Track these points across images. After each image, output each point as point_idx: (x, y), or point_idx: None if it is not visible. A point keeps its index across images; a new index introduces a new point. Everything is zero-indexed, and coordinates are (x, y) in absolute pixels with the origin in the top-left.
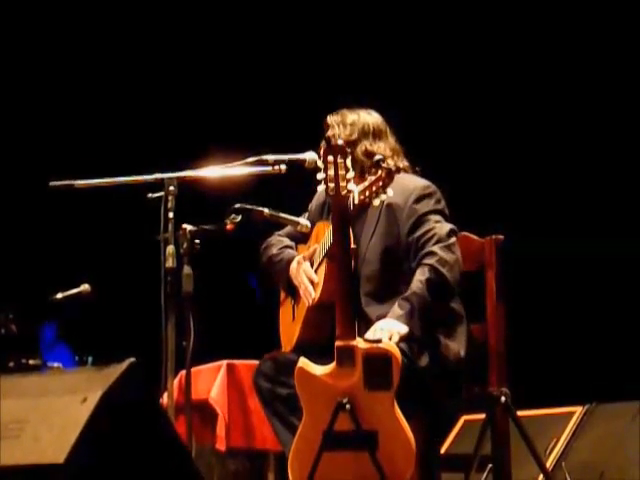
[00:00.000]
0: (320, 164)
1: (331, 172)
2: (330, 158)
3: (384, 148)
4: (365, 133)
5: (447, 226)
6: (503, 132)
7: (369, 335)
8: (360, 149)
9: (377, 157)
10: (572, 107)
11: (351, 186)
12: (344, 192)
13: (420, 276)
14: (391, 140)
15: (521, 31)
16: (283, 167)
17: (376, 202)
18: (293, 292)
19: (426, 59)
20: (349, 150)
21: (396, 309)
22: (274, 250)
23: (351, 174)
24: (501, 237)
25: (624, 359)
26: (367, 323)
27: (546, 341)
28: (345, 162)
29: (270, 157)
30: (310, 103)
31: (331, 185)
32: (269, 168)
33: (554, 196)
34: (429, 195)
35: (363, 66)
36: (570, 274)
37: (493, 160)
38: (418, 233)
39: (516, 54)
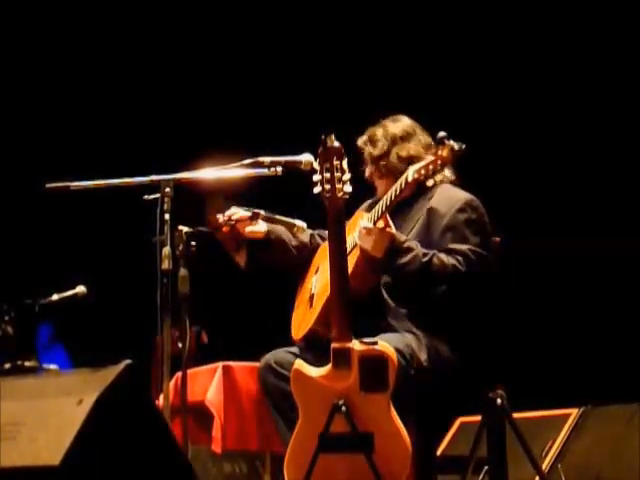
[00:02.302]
0: (316, 166)
1: (327, 174)
2: (326, 160)
3: (415, 148)
4: (394, 141)
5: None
6: (500, 133)
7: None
8: (392, 157)
9: (441, 134)
10: (567, 107)
11: (347, 188)
12: (340, 194)
13: (446, 254)
14: (422, 138)
15: (517, 35)
16: (279, 169)
17: (430, 182)
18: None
19: (422, 60)
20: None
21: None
22: None
23: (347, 176)
24: (497, 239)
25: (620, 361)
26: (389, 311)
27: (542, 343)
28: (341, 164)
29: (266, 159)
30: (306, 104)
31: (327, 187)
32: (265, 170)
33: (550, 197)
34: (470, 208)
35: (359, 66)
36: (566, 276)
37: (490, 162)
38: (449, 239)
39: (513, 56)
